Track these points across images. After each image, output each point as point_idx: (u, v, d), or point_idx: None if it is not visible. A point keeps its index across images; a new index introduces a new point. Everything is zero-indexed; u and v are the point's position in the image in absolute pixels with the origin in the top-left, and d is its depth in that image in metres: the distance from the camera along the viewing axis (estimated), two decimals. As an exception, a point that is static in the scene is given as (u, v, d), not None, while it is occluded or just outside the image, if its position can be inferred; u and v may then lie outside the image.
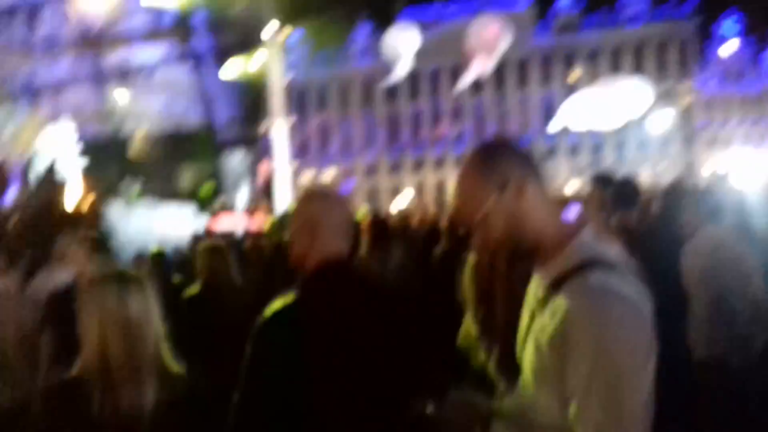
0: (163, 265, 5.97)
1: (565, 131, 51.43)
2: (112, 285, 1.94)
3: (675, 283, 3.50)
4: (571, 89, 51.51)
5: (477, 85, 51.32)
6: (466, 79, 15.67)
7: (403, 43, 15.61)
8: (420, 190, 51.81)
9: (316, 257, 1.89)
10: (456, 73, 49.96)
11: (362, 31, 52.41)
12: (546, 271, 1.47)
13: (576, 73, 51.27)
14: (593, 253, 1.43)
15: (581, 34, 51.91)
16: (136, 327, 1.91)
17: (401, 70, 15.59)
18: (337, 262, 1.90)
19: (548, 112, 52.38)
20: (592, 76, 51.14)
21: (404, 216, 9.89)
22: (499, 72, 47.10)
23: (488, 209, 1.46)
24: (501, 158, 1.51)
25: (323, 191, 2.13)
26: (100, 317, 1.90)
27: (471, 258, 2.97)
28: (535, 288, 1.52)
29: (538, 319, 1.45)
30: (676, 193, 4.11)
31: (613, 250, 1.48)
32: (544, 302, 1.44)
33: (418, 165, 53.72)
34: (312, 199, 2.03)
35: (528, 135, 50.91)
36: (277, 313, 1.83)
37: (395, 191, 50.47)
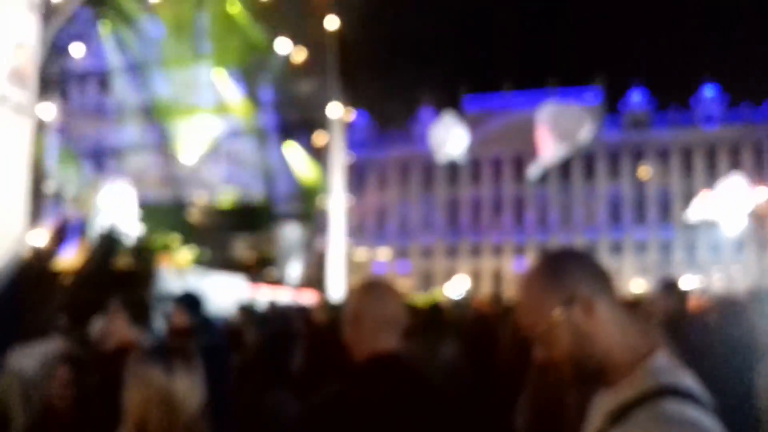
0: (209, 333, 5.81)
1: (632, 227, 50.63)
2: (159, 360, 1.92)
3: (743, 406, 3.07)
4: (639, 185, 50.94)
5: (542, 175, 51.24)
6: (540, 164, 15.47)
7: (449, 138, 15.68)
8: (476, 276, 51.09)
9: (363, 350, 1.90)
10: (518, 161, 50.17)
11: (425, 114, 53.21)
12: (613, 394, 1.37)
13: (646, 169, 50.55)
14: (668, 380, 1.32)
15: (652, 130, 51.39)
16: (179, 404, 1.90)
17: (442, 158, 15.57)
18: (384, 357, 1.88)
19: (615, 207, 51.73)
20: (662, 174, 50.54)
21: (461, 305, 9.51)
22: (565, 164, 46.84)
23: (552, 324, 1.38)
24: (569, 271, 1.42)
25: (374, 282, 2.08)
26: (145, 393, 1.89)
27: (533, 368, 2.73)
28: (598, 411, 1.41)
29: None
30: (757, 300, 3.66)
31: (689, 378, 1.36)
32: (606, 429, 1.35)
33: (476, 251, 53.20)
34: (362, 290, 2.01)
35: (593, 228, 50.04)
36: (323, 403, 1.85)
37: (450, 275, 49.88)
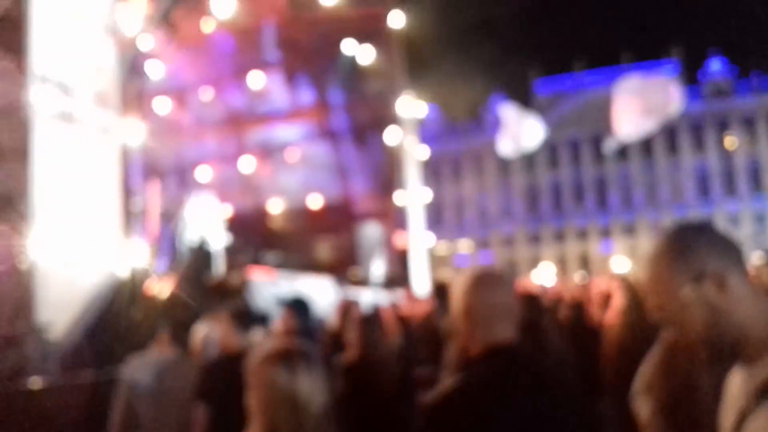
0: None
1: (722, 200, 48.52)
2: (281, 362, 1.94)
3: None
4: (727, 156, 48.83)
5: (622, 153, 49.75)
6: (619, 139, 15.04)
7: (522, 131, 15.37)
8: (561, 263, 50.12)
9: (480, 343, 1.87)
10: (597, 142, 48.83)
11: (496, 103, 52.58)
12: (753, 371, 1.30)
13: (731, 139, 48.45)
14: None
15: (735, 99, 49.15)
16: (305, 404, 1.92)
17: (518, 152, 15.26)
18: (503, 349, 1.86)
19: (702, 181, 49.74)
20: (749, 143, 48.26)
21: (554, 294, 9.29)
22: (646, 140, 45.42)
23: (682, 302, 1.33)
24: (697, 246, 1.36)
25: (485, 273, 2.01)
26: (270, 396, 1.92)
27: (658, 352, 2.60)
28: (738, 390, 1.35)
29: (752, 424, 1.26)
30: None
31: None
32: (753, 406, 1.28)
33: (559, 236, 52.18)
34: (473, 281, 1.95)
35: (681, 205, 48.34)
36: (443, 400, 1.82)
37: (534, 263, 49.10)
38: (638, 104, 13.75)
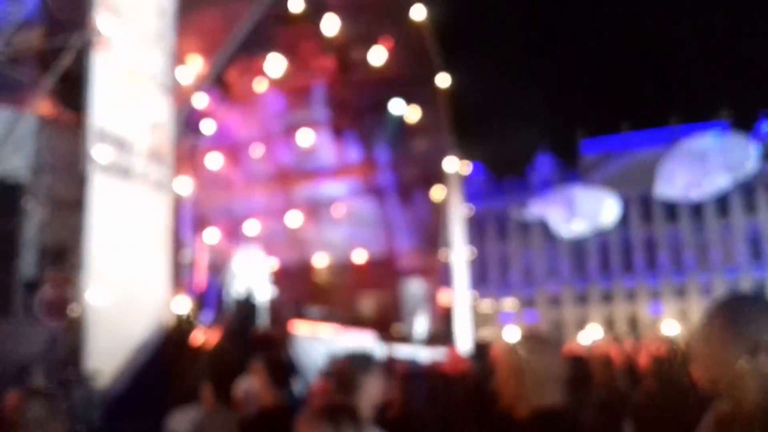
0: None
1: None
2: (328, 420, 1.92)
3: None
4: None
5: (672, 214, 48.90)
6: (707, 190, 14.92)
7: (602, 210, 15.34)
8: (609, 324, 48.95)
9: (525, 405, 1.84)
10: (645, 201, 48.23)
11: (542, 162, 52.42)
12: None
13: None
14: None
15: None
16: None
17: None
18: (550, 413, 1.82)
19: (754, 243, 48.44)
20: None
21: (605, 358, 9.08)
22: (696, 202, 44.66)
23: (737, 374, 1.33)
24: (750, 317, 1.36)
25: (532, 335, 2.04)
26: None
27: (710, 424, 2.55)
28: None
29: None
30: None
31: None
32: None
33: (607, 297, 51.11)
34: (521, 343, 1.95)
35: (732, 267, 47.08)
36: None
37: (581, 323, 48.05)
38: (717, 161, 13.72)
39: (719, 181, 14.25)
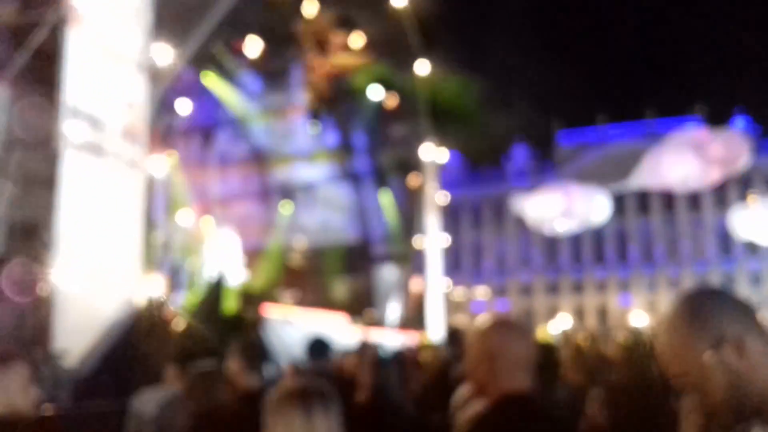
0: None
1: (746, 257, 47.98)
2: (297, 402, 1.90)
3: None
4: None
5: (644, 206, 49.50)
6: (700, 187, 15.19)
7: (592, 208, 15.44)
8: (579, 314, 49.56)
9: (495, 391, 1.85)
10: (618, 194, 48.65)
11: (518, 152, 52.71)
12: None
13: (754, 197, 48.13)
14: None
15: (758, 157, 48.93)
16: None
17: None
18: (519, 397, 1.84)
19: (723, 238, 49.25)
20: (771, 201, 47.91)
21: (574, 345, 9.23)
22: (668, 195, 45.25)
23: (703, 368, 1.34)
24: (714, 310, 1.37)
25: (504, 321, 2.01)
26: None
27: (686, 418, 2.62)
28: None
29: None
30: None
31: None
32: None
33: (578, 287, 51.70)
34: (492, 329, 1.94)
35: (702, 261, 47.83)
36: None
37: (552, 313, 48.58)
38: (707, 155, 13.89)
39: (714, 174, 14.48)
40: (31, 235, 8.07)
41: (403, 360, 7.14)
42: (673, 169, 15.07)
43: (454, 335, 7.35)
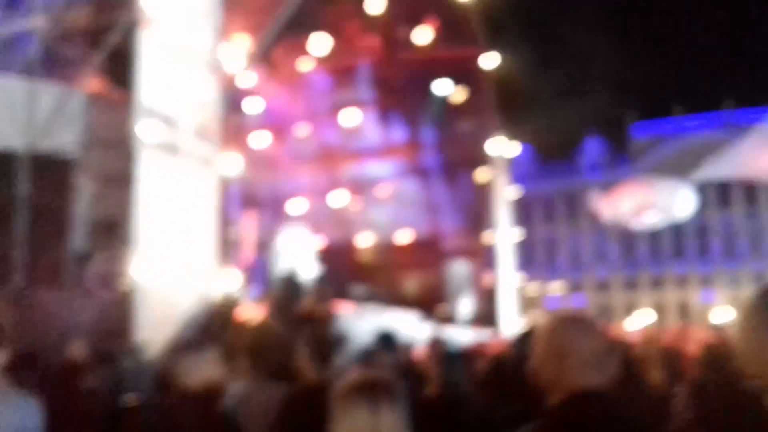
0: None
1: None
2: (364, 395, 1.91)
3: None
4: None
5: (725, 200, 47.61)
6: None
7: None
8: (659, 310, 48.07)
9: (564, 388, 1.80)
10: (702, 186, 46.87)
11: (591, 145, 51.48)
12: None
13: None
14: None
15: None
16: None
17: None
18: (589, 395, 1.79)
19: (810, 231, 46.89)
20: None
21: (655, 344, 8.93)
22: (750, 189, 43.42)
23: None
24: None
25: (572, 316, 1.95)
26: (352, 429, 1.88)
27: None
28: None
29: None
30: None
31: None
32: None
33: (657, 283, 50.16)
34: (560, 325, 1.89)
35: (786, 255, 45.77)
36: None
37: (629, 309, 47.29)
38: None
39: None
40: (111, 232, 8.36)
41: (472, 355, 7.07)
42: (756, 161, 14.40)
43: (528, 334, 7.20)
